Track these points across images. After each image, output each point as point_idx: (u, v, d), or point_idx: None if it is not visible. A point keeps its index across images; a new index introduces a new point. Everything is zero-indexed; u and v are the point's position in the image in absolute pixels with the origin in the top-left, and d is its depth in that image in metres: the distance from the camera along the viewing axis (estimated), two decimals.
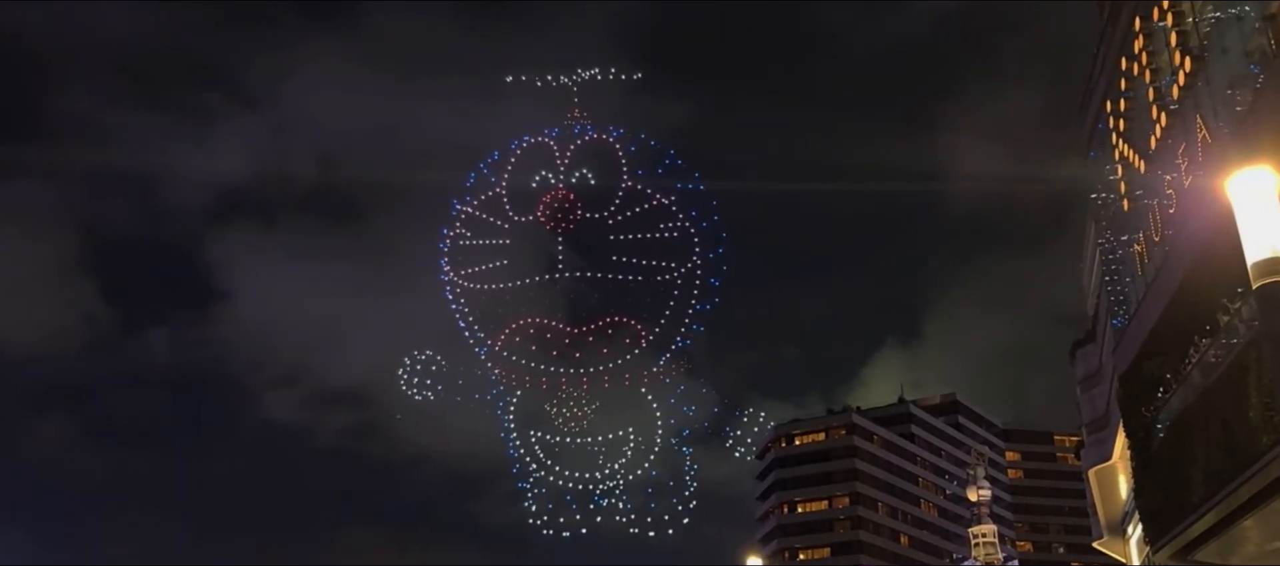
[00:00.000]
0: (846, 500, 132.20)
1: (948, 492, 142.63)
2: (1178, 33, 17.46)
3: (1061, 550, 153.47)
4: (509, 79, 40.33)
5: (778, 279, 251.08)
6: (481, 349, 39.81)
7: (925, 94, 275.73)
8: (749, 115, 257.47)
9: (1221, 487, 15.87)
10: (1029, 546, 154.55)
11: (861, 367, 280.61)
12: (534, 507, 40.73)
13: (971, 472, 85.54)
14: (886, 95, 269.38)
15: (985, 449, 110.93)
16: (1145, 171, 20.63)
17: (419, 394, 40.44)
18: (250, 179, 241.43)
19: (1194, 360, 17.92)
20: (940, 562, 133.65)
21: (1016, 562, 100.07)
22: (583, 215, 38.31)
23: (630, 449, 40.49)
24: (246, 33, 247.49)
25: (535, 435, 40.55)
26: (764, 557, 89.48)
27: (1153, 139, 19.49)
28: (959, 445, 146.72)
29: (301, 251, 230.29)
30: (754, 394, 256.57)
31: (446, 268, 39.50)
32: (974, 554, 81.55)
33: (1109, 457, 29.01)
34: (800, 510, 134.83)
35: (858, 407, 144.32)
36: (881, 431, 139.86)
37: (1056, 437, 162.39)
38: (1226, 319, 16.21)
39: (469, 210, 39.39)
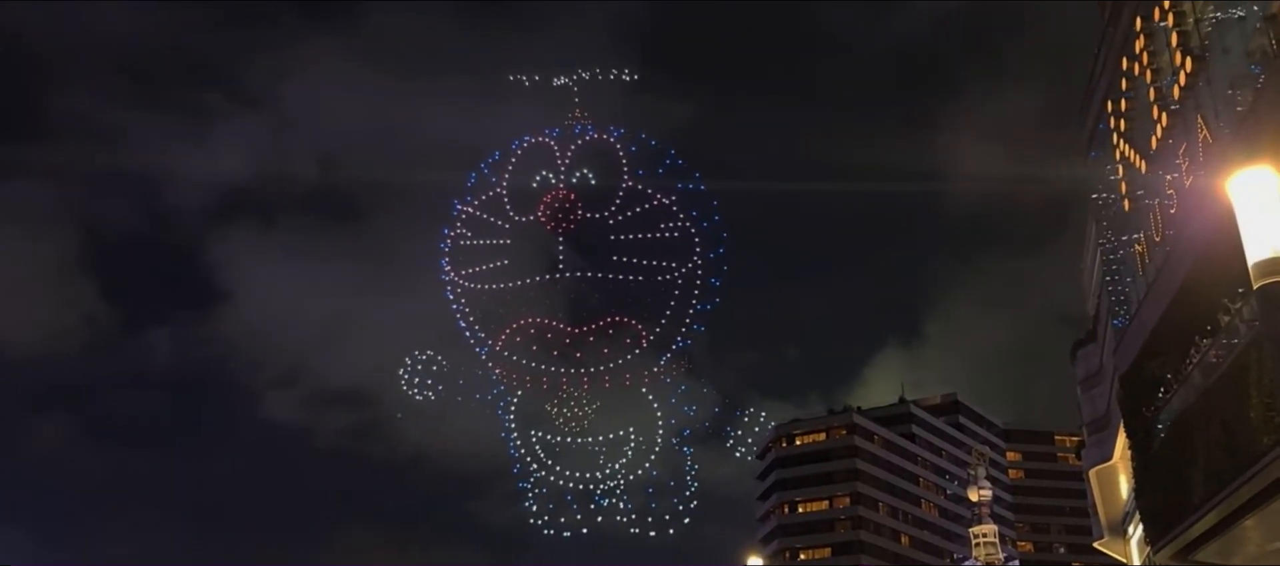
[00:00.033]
0: (847, 500, 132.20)
1: (948, 492, 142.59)
2: (1179, 33, 17.45)
3: (1062, 550, 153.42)
4: (510, 79, 40.32)
5: (778, 279, 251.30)
6: (482, 349, 39.81)
7: (926, 94, 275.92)
8: (749, 115, 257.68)
9: (1222, 488, 15.87)
10: (1030, 546, 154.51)
11: (862, 367, 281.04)
12: (534, 507, 40.73)
13: (972, 472, 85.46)
14: (887, 95, 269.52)
15: (986, 449, 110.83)
16: (1146, 171, 20.62)
17: (420, 394, 40.44)
18: (251, 179, 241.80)
19: (1195, 360, 17.91)
20: (941, 563, 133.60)
21: (1017, 563, 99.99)
22: (583, 215, 38.30)
23: (631, 449, 40.49)
24: (247, 33, 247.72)
25: (536, 435, 40.54)
26: (765, 557, 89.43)
27: (1154, 139, 19.48)
28: (960, 445, 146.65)
29: (302, 251, 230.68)
30: (755, 394, 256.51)
31: (447, 267, 39.50)
32: (975, 554, 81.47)
33: (1110, 458, 29.00)
34: (801, 510, 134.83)
35: (858, 407, 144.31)
36: (882, 431, 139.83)
37: (1057, 437, 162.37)
38: (1227, 319, 16.20)
39: (469, 210, 39.37)
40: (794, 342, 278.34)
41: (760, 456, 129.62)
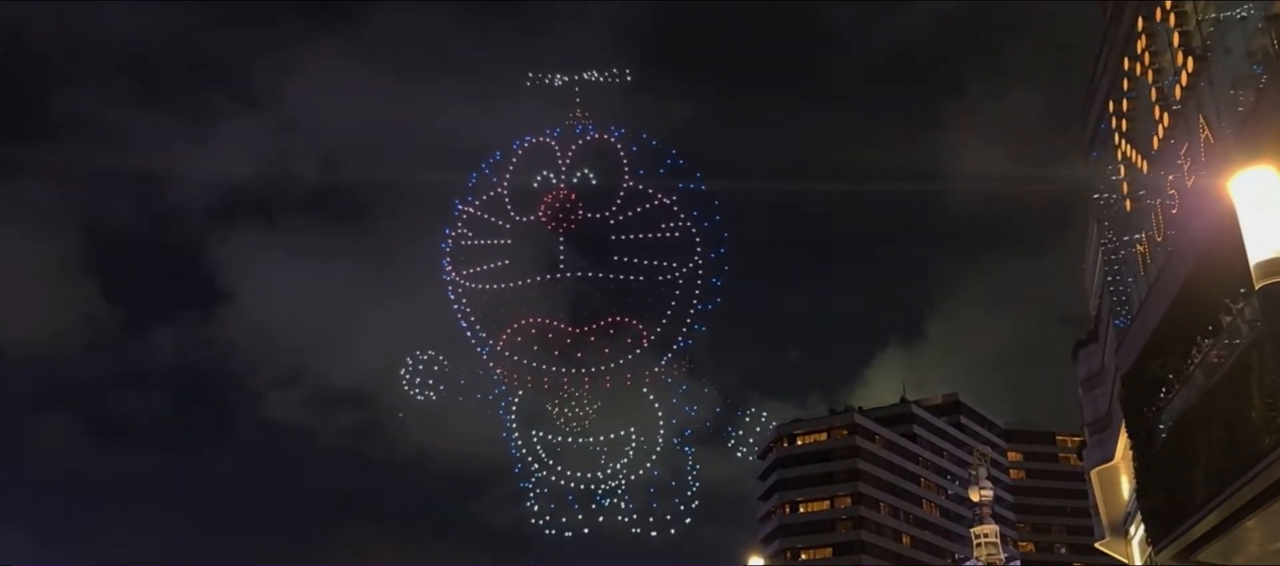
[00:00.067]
0: (848, 500, 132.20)
1: (950, 493, 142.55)
2: (1180, 33, 17.44)
3: (1063, 550, 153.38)
4: (511, 79, 40.39)
5: (780, 279, 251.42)
6: (483, 349, 39.78)
7: (927, 94, 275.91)
8: (751, 115, 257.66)
9: (1224, 488, 15.86)
10: (1031, 547, 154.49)
11: (863, 368, 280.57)
12: (536, 507, 40.71)
13: (973, 473, 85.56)
14: (888, 95, 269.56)
15: (987, 449, 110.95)
16: (1148, 171, 20.61)
17: (421, 394, 40.38)
18: (252, 179, 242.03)
19: (1196, 360, 17.90)
20: (942, 563, 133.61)
21: (1018, 563, 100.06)
22: (584, 215, 38.28)
23: (632, 449, 40.45)
24: (249, 33, 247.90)
25: (537, 435, 40.51)
26: (766, 557, 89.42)
27: (1155, 139, 19.47)
28: (961, 445, 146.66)
29: (303, 251, 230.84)
30: (756, 394, 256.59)
31: (448, 267, 39.47)
32: (976, 554, 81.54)
33: (1111, 458, 28.98)
34: (802, 510, 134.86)
35: (860, 407, 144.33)
36: (883, 431, 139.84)
37: (1059, 438, 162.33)
38: (1229, 319, 16.19)
39: (470, 210, 39.35)
40: (795, 342, 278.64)
41: (762, 456, 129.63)
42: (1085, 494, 34.88)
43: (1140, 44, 19.74)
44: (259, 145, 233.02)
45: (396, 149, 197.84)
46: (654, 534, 40.65)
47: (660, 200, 38.75)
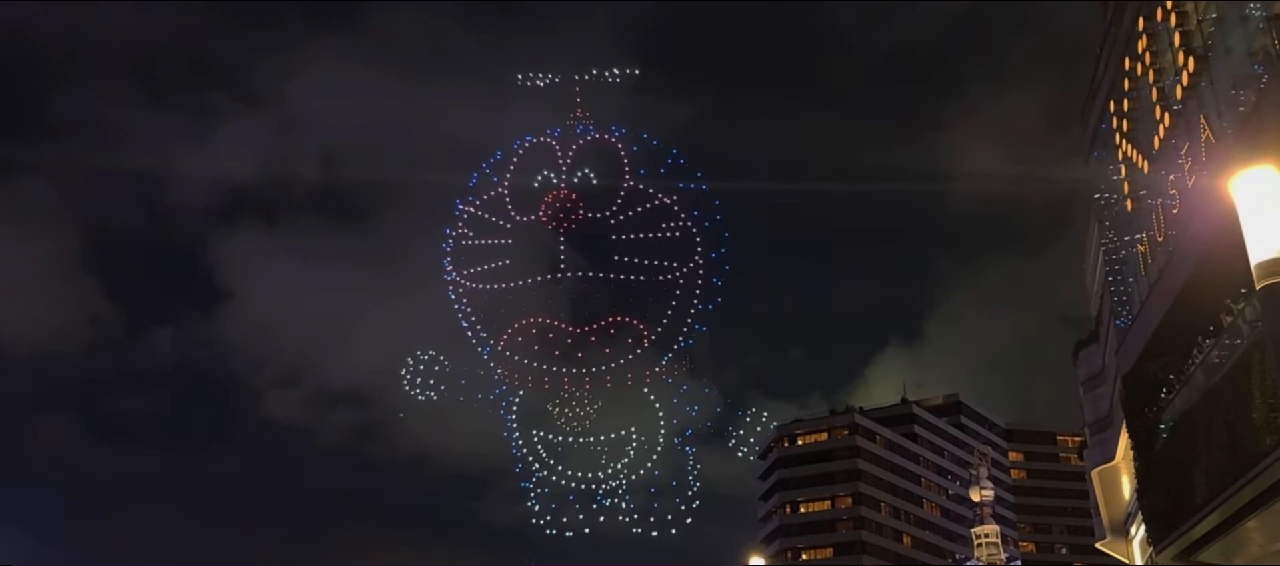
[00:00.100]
0: (849, 500, 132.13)
1: (950, 493, 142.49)
2: (1181, 33, 17.44)
3: (1064, 551, 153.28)
4: (512, 79, 40.32)
5: (780, 279, 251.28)
6: (484, 349, 39.76)
7: (928, 94, 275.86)
8: (752, 115, 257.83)
9: (1224, 489, 15.85)
10: (1032, 547, 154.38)
11: (864, 368, 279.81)
12: (536, 507, 40.69)
13: (974, 473, 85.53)
14: (888, 95, 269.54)
15: (988, 449, 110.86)
16: (1149, 171, 20.61)
17: (422, 394, 40.36)
18: (254, 179, 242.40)
19: (1197, 361, 17.90)
20: (943, 563, 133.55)
21: (1019, 563, 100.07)
22: (585, 215, 38.26)
23: (633, 449, 40.43)
24: (251, 33, 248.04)
25: (538, 435, 40.49)
26: (766, 557, 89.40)
27: (1156, 139, 19.47)
28: (962, 445, 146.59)
29: (305, 251, 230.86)
30: (757, 394, 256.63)
31: (449, 267, 39.46)
32: (976, 554, 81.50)
33: (1112, 458, 28.98)
34: (803, 510, 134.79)
35: (860, 408, 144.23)
36: (884, 431, 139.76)
37: (1059, 438, 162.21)
38: (1230, 319, 16.19)
39: (471, 210, 39.32)
40: (796, 343, 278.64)
41: (762, 456, 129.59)
42: (1086, 494, 34.90)
43: (1141, 44, 19.74)
44: (260, 145, 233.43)
45: (397, 148, 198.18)
46: (654, 534, 40.63)
47: (661, 200, 38.72)
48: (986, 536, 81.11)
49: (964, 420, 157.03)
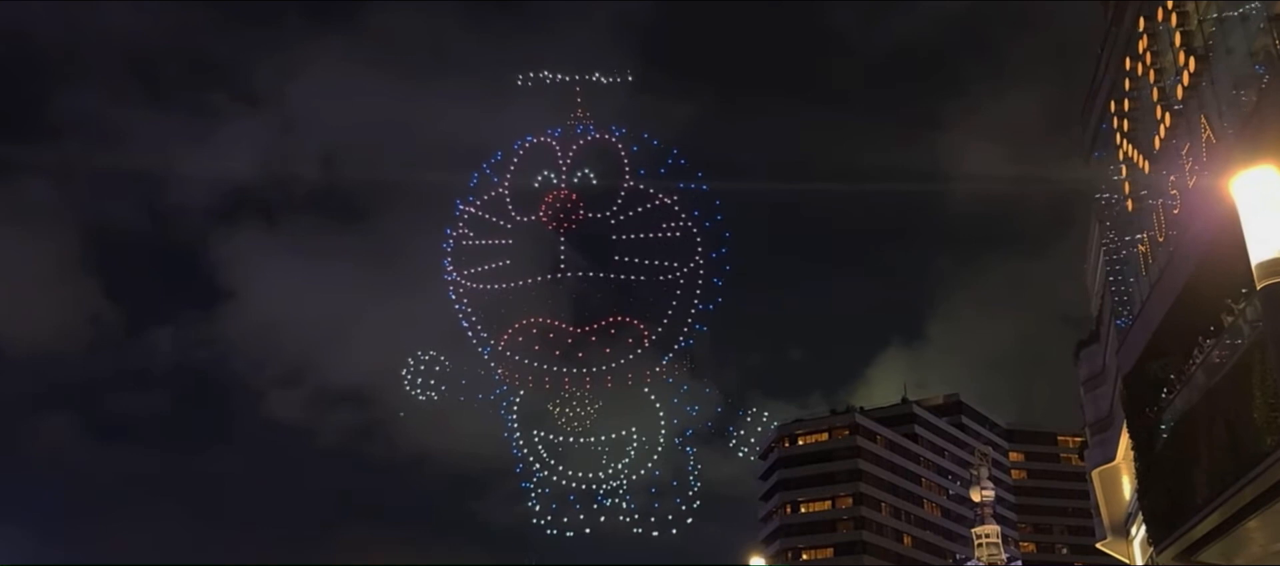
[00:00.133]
0: (850, 500, 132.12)
1: (951, 493, 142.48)
2: (1182, 33, 17.43)
3: (1064, 551, 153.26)
4: (512, 79, 40.31)
5: (781, 279, 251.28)
6: (485, 349, 39.75)
7: (928, 94, 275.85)
8: (752, 115, 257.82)
9: (1225, 489, 15.84)
10: (1032, 547, 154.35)
11: (865, 368, 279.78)
12: (537, 507, 40.68)
13: (975, 473, 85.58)
14: (888, 95, 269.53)
15: (988, 449, 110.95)
16: (1149, 171, 20.60)
17: (422, 394, 40.34)
18: (255, 178, 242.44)
19: (1198, 361, 17.89)
20: (943, 563, 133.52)
21: (1020, 563, 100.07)
22: (585, 215, 38.26)
23: (633, 449, 40.41)
24: (251, 33, 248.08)
25: (538, 435, 40.47)
26: (767, 557, 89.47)
27: (1157, 139, 19.46)
28: (962, 445, 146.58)
29: (305, 251, 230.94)
30: (757, 394, 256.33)
31: (449, 268, 39.46)
32: (977, 554, 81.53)
33: (1113, 458, 28.97)
34: (803, 510, 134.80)
35: (861, 408, 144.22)
36: (885, 431, 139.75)
37: (1060, 438, 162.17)
38: (1231, 319, 16.18)
39: (472, 210, 39.32)
40: (796, 343, 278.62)
41: (763, 456, 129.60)
42: (1087, 494, 34.88)
43: (1142, 44, 19.73)
44: (260, 145, 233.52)
45: (397, 149, 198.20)
46: (655, 534, 40.61)
47: (661, 200, 38.71)
48: (987, 536, 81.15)
49: (965, 420, 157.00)
